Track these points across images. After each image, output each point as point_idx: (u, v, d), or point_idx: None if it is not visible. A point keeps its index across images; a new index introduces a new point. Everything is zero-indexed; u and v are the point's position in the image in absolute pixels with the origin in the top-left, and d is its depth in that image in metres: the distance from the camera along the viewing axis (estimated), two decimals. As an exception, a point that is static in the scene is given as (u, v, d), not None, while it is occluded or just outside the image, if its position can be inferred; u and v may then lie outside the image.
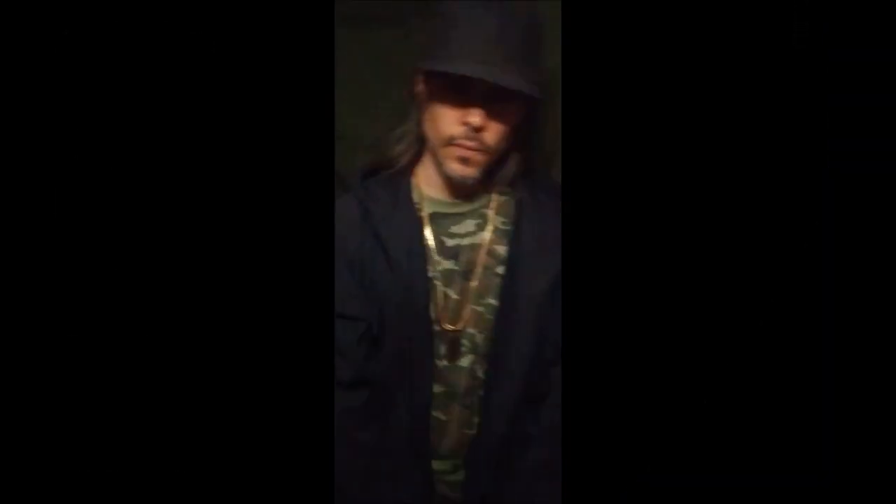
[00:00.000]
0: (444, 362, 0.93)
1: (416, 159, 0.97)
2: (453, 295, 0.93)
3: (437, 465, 0.95)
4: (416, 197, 0.96)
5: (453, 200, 0.96)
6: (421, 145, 0.96)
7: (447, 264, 0.94)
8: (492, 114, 0.87)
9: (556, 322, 0.90)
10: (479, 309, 0.93)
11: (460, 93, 0.86)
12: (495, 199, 0.96)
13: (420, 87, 0.92)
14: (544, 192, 0.97)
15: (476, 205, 0.96)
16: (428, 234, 0.94)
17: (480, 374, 0.93)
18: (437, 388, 0.93)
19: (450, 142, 0.89)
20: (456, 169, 0.90)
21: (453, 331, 0.93)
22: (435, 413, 0.93)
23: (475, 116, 0.86)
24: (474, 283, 0.93)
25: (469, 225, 0.95)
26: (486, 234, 0.95)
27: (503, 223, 0.96)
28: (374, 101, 1.19)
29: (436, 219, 0.95)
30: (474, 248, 0.94)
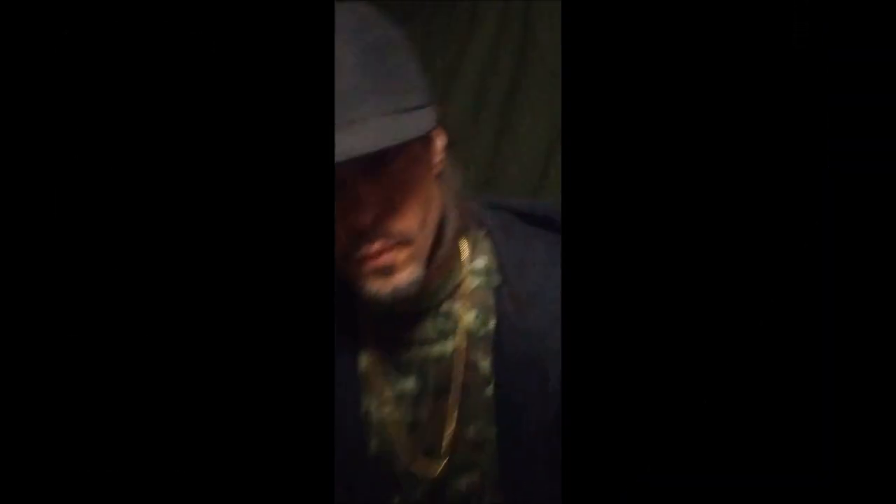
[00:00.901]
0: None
1: None
2: (424, 421, 0.69)
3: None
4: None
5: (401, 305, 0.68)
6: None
7: (405, 385, 0.70)
8: (387, 192, 0.63)
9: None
10: (462, 438, 0.69)
11: (336, 186, 0.63)
12: (466, 288, 0.70)
13: None
14: (527, 236, 0.72)
15: (437, 298, 0.70)
16: (365, 357, 0.70)
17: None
18: None
19: (347, 260, 0.65)
20: (378, 287, 0.65)
21: (433, 473, 0.69)
22: None
23: (362, 211, 0.62)
24: (446, 406, 0.69)
25: (429, 329, 0.70)
26: (457, 341, 0.69)
27: (478, 320, 0.70)
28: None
29: (381, 325, 0.71)
30: (441, 360, 0.70)
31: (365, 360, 0.70)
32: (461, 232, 0.70)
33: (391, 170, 0.63)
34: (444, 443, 0.67)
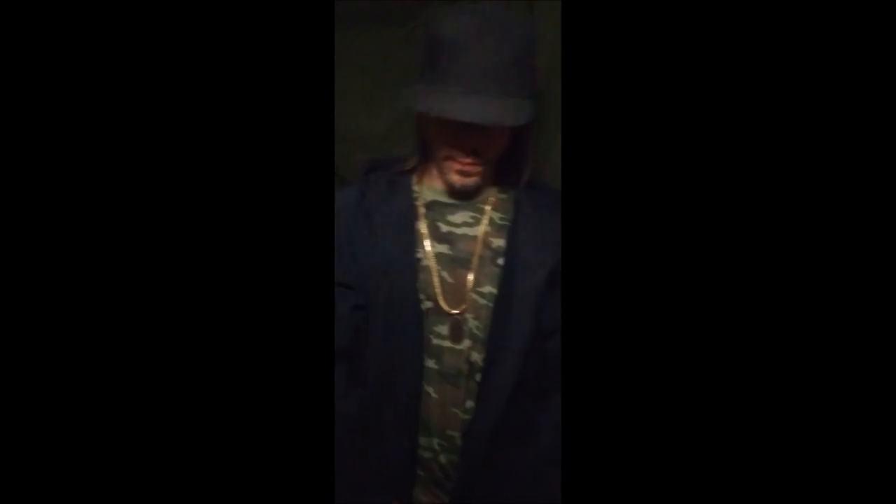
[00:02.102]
0: (445, 342, 0.95)
1: (419, 165, 1.02)
2: (449, 279, 0.97)
3: (424, 440, 0.96)
4: (415, 189, 1.01)
5: (452, 200, 1.00)
6: (424, 153, 1.01)
7: (441, 248, 0.98)
8: (486, 136, 0.92)
9: (553, 315, 0.94)
10: (477, 297, 0.96)
11: (457, 121, 0.90)
12: (493, 197, 1.00)
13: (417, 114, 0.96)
14: (540, 194, 1.02)
15: (474, 201, 1.00)
16: (421, 220, 0.99)
17: (476, 359, 0.94)
18: (429, 364, 0.95)
19: (448, 157, 0.95)
20: (456, 180, 0.96)
21: (454, 314, 0.95)
22: (427, 388, 0.95)
23: (470, 140, 0.91)
24: (472, 272, 0.96)
25: (465, 216, 0.99)
26: (482, 227, 0.99)
27: (500, 219, 1.00)
28: (374, 101, 1.20)
29: (432, 207, 1.00)
30: (469, 238, 0.98)
31: (422, 226, 0.99)
32: (517, 179, 1.01)
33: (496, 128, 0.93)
34: (465, 293, 0.96)
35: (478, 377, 0.95)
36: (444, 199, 1.00)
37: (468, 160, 0.94)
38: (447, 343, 0.95)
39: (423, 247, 0.97)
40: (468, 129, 0.90)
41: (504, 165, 1.00)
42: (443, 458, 0.96)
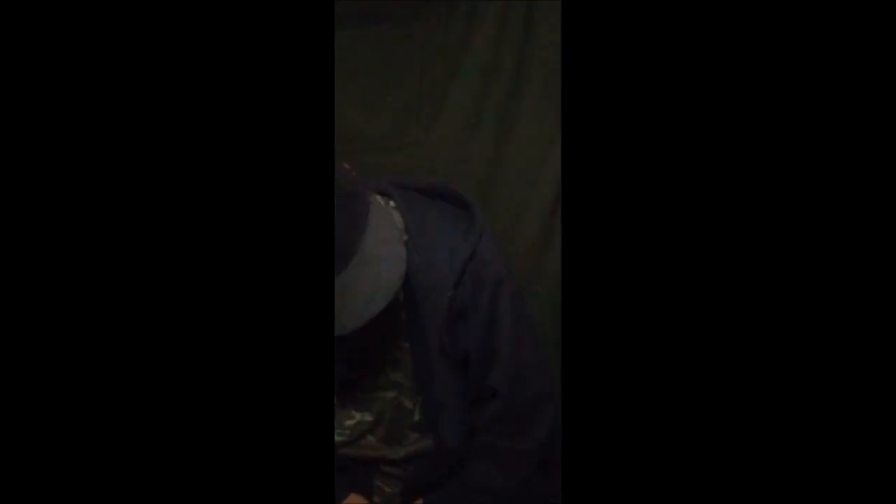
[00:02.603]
0: (364, 395, 0.96)
1: None
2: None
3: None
4: None
5: None
6: None
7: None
8: None
9: (458, 341, 0.93)
10: (396, 352, 0.95)
11: None
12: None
13: None
14: (431, 209, 0.96)
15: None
16: None
17: (408, 404, 0.96)
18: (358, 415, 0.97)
19: None
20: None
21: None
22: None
23: None
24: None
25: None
26: None
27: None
28: (374, 101, 1.20)
29: None
30: None
31: None
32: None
33: None
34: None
35: (416, 417, 0.96)
36: None
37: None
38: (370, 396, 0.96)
39: None
40: None
41: None
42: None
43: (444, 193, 1.00)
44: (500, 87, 1.19)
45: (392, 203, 0.96)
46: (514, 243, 1.15)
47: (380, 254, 0.84)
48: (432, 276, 0.92)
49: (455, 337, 0.94)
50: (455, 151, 1.21)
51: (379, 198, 0.94)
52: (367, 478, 0.99)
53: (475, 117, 1.20)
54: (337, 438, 0.97)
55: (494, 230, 1.02)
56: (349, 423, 0.97)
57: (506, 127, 1.20)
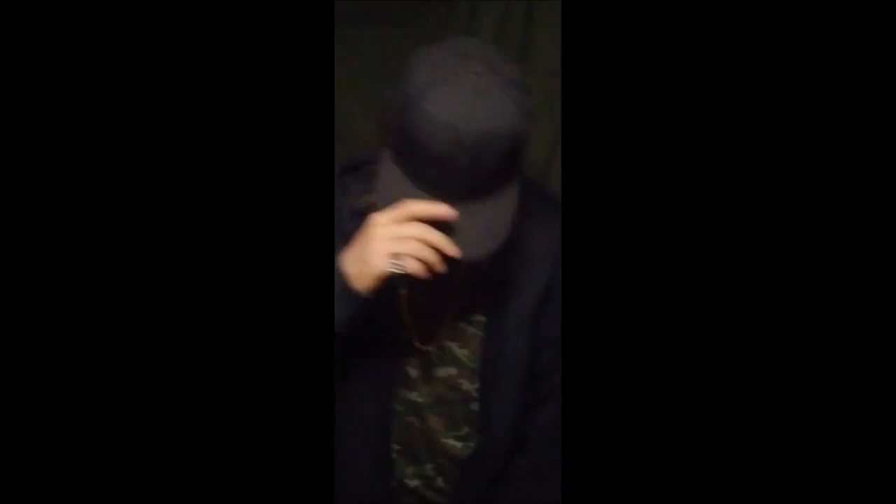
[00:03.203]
0: (416, 371, 0.90)
1: None
2: (425, 305, 0.88)
3: (412, 469, 0.93)
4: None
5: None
6: None
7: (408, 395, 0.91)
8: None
9: (548, 328, 0.88)
10: (463, 324, 0.90)
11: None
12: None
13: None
14: (536, 200, 0.89)
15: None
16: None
17: (468, 388, 0.90)
18: (408, 395, 0.91)
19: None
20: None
21: (426, 349, 0.89)
22: (409, 419, 0.91)
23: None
24: (448, 296, 0.88)
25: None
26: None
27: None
28: (374, 101, 1.20)
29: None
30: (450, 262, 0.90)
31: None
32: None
33: None
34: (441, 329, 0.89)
35: (473, 406, 0.91)
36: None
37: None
38: (416, 371, 0.90)
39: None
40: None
41: None
42: (440, 482, 0.93)
43: (533, 188, 0.93)
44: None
45: None
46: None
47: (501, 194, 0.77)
48: (528, 248, 0.87)
49: (541, 318, 0.89)
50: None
51: None
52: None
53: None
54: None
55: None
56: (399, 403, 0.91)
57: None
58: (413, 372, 0.90)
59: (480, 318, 0.89)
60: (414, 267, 0.73)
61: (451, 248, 0.73)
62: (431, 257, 0.73)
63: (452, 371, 0.90)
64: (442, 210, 0.73)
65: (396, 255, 0.73)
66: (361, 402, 0.90)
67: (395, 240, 0.73)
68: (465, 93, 0.71)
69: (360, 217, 0.80)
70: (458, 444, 0.92)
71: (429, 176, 0.74)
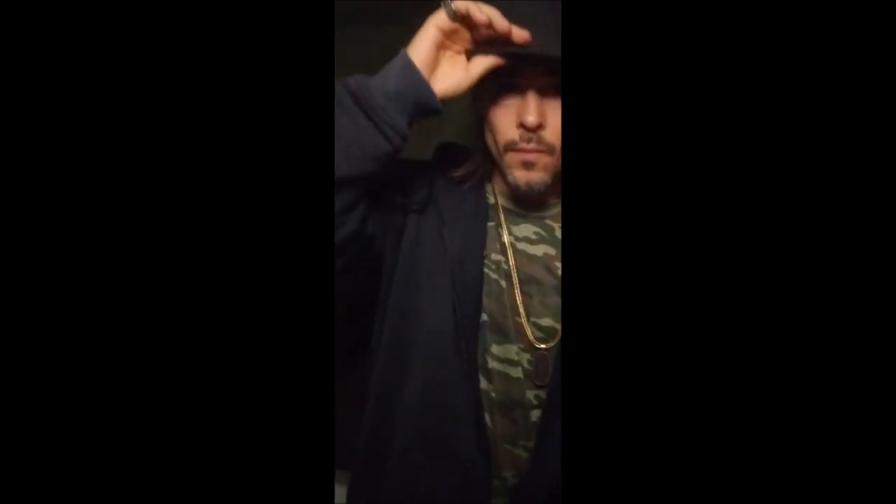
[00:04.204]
0: (496, 364, 0.86)
1: (487, 174, 0.91)
2: (505, 300, 0.86)
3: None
4: (487, 188, 0.91)
5: (523, 210, 0.90)
6: (488, 160, 0.90)
7: (499, 258, 0.88)
8: (549, 109, 0.82)
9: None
10: (531, 328, 0.86)
11: (513, 90, 0.82)
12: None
13: (477, 96, 0.86)
14: None
15: (543, 212, 0.89)
16: (489, 224, 0.88)
17: (531, 396, 0.85)
18: (483, 386, 0.85)
19: (510, 148, 0.84)
20: (520, 176, 0.84)
21: (541, 348, 0.85)
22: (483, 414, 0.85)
23: (531, 115, 0.81)
24: (526, 297, 0.86)
25: (528, 230, 0.89)
26: (547, 248, 0.88)
27: None
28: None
29: (499, 212, 0.89)
30: (530, 258, 0.88)
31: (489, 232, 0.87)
32: None
33: (555, 95, 0.82)
34: (520, 327, 0.84)
35: (534, 415, 0.85)
36: (511, 206, 0.90)
37: (531, 146, 0.82)
38: (496, 364, 0.85)
39: (486, 255, 0.86)
40: (527, 100, 0.81)
41: None
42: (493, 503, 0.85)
43: None
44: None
45: None
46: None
47: None
48: None
49: None
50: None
51: None
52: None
53: (475, 117, 1.20)
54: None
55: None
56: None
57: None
58: (492, 364, 0.86)
59: (553, 323, 0.86)
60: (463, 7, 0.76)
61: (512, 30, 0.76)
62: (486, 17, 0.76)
63: (520, 374, 0.86)
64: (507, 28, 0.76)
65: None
66: (440, 385, 0.84)
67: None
68: None
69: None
70: (522, 455, 0.86)
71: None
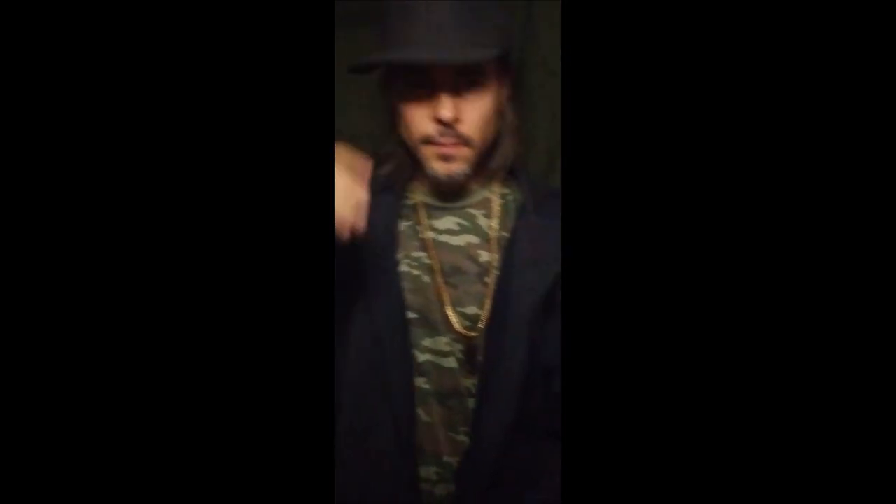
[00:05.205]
0: (428, 356, 0.89)
1: (411, 171, 0.92)
2: (430, 294, 0.88)
3: (420, 471, 0.90)
4: (409, 194, 0.92)
5: (444, 203, 0.91)
6: (408, 153, 0.90)
7: (419, 255, 0.89)
8: (464, 103, 0.83)
9: (552, 349, 0.86)
10: (459, 318, 0.88)
11: (425, 86, 0.82)
12: (493, 202, 0.91)
13: (386, 88, 0.87)
14: (551, 201, 0.90)
15: (465, 202, 0.91)
16: (405, 223, 0.90)
17: (468, 384, 0.88)
18: (419, 383, 0.88)
19: (426, 141, 0.85)
20: (439, 168, 0.85)
21: (472, 336, 0.87)
22: (417, 409, 0.88)
23: (445, 109, 0.82)
24: (450, 289, 0.88)
25: (450, 222, 0.91)
26: (471, 238, 0.90)
27: (493, 228, 0.90)
28: (374, 101, 1.19)
29: (419, 209, 0.90)
30: (452, 249, 0.89)
31: (405, 231, 0.88)
32: (504, 161, 0.89)
33: (471, 90, 0.83)
34: (447, 318, 0.86)
35: (470, 403, 0.88)
36: (433, 200, 0.91)
37: (448, 139, 0.83)
38: (428, 356, 0.88)
39: (405, 252, 0.88)
40: (441, 94, 0.81)
41: (494, 155, 0.89)
42: (440, 489, 0.89)
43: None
44: (500, 88, 1.19)
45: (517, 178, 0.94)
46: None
47: None
48: (539, 249, 0.87)
49: (546, 333, 0.87)
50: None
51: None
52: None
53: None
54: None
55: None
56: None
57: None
58: (423, 357, 0.88)
59: (476, 311, 0.88)
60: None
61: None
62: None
63: (454, 364, 0.88)
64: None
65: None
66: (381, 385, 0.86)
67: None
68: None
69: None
70: (461, 440, 0.88)
71: (408, 27, 0.79)
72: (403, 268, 0.89)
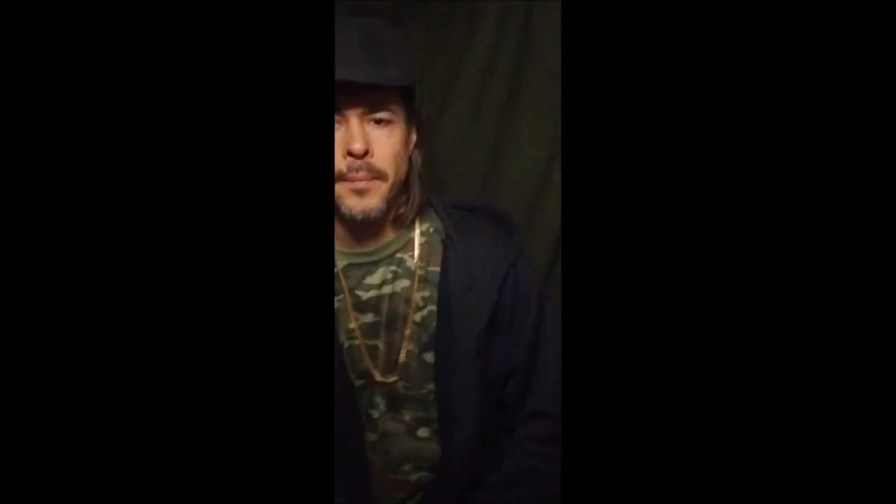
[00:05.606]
0: (379, 412, 0.92)
1: None
2: (381, 347, 0.91)
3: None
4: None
5: (363, 248, 0.91)
6: None
7: (366, 318, 0.91)
8: (374, 137, 0.84)
9: (503, 360, 0.91)
10: (413, 362, 0.91)
11: (336, 122, 0.83)
12: (415, 240, 0.92)
13: None
14: (473, 219, 0.94)
15: (390, 249, 0.92)
16: (340, 291, 0.91)
17: (424, 433, 0.92)
18: (371, 437, 0.92)
19: (339, 178, 0.84)
20: (353, 205, 0.84)
21: (389, 383, 0.91)
22: (371, 458, 0.92)
23: (356, 142, 0.82)
24: (398, 335, 0.90)
25: (383, 274, 0.91)
26: (405, 282, 0.91)
27: (422, 267, 0.91)
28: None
29: (347, 273, 0.91)
30: (393, 297, 0.91)
31: (338, 301, 0.90)
32: (418, 201, 0.91)
33: (380, 125, 0.85)
34: (399, 361, 0.90)
35: (435, 446, 0.91)
36: (357, 254, 0.91)
37: (361, 174, 0.83)
38: (379, 412, 0.91)
39: (350, 320, 0.90)
40: (349, 129, 0.82)
41: (406, 197, 0.90)
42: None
43: (481, 208, 0.99)
44: (500, 88, 1.19)
45: (432, 210, 0.95)
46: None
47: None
48: (472, 273, 0.89)
49: (492, 348, 0.90)
50: (454, 152, 1.21)
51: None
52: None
53: (475, 117, 1.20)
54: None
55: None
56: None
57: (506, 127, 1.20)
58: (375, 413, 0.92)
59: (423, 352, 0.91)
60: None
61: None
62: None
63: (411, 414, 0.92)
64: None
65: None
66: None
67: None
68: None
69: None
70: (414, 479, 0.94)
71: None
72: (345, 343, 0.91)
